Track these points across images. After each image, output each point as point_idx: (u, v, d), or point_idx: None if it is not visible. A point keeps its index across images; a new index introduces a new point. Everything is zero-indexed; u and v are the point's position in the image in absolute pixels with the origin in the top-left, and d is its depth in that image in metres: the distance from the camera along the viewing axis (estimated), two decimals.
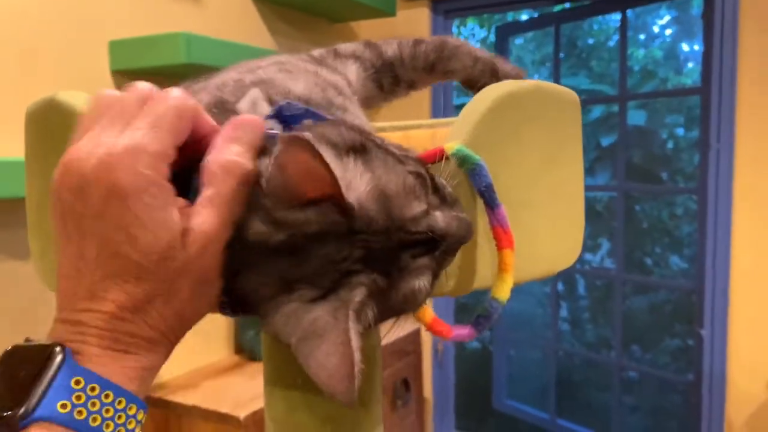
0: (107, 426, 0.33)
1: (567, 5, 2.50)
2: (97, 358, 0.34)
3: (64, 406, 0.32)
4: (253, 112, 0.41)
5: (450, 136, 0.49)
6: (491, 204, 0.46)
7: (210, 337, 1.95)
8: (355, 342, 0.35)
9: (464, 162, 0.46)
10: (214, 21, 1.88)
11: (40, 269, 0.57)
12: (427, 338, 2.51)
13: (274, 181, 0.35)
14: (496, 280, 0.47)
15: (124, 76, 1.62)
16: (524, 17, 4.12)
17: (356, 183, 0.36)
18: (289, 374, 0.68)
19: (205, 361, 1.91)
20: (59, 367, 0.33)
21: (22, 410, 0.31)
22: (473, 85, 0.68)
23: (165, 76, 1.62)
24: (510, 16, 4.08)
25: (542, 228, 0.54)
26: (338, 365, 0.35)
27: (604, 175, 3.75)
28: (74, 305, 0.35)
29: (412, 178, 0.39)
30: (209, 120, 0.39)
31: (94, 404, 0.33)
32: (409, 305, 0.39)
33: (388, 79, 0.64)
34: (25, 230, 0.57)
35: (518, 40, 5.33)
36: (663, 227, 4.87)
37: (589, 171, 4.53)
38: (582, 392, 4.22)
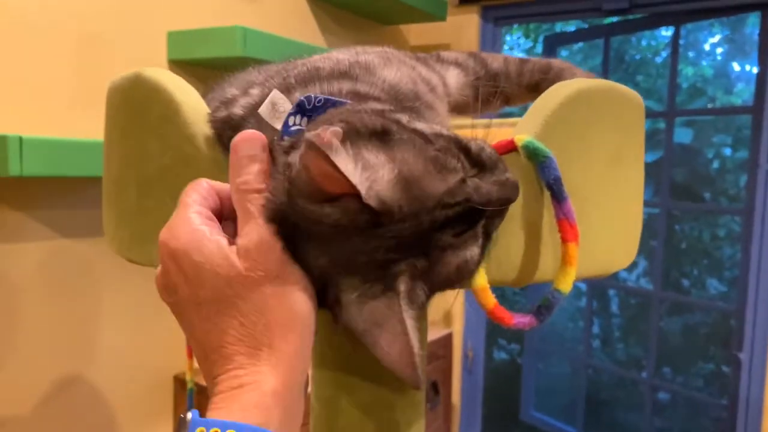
0: None
1: (616, 18, 2.47)
2: (219, 403, 0.37)
3: None
4: (275, 113, 0.44)
5: (518, 129, 0.50)
6: (558, 197, 0.47)
7: None
8: (412, 330, 0.39)
9: (534, 155, 0.47)
10: (269, 16, 1.92)
11: (113, 239, 0.60)
12: (458, 343, 2.51)
13: (299, 178, 0.38)
14: (558, 272, 0.47)
15: (180, 66, 1.66)
16: (571, 29, 4.09)
17: (379, 175, 0.38)
18: (338, 359, 0.70)
19: None
20: (186, 426, 0.36)
21: None
22: None
23: (220, 69, 1.65)
24: (558, 27, 4.05)
25: (602, 227, 0.55)
26: (400, 353, 0.38)
27: (646, 192, 3.71)
28: (204, 370, 0.40)
29: (442, 155, 0.40)
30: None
31: None
32: (462, 275, 0.41)
33: (487, 90, 0.65)
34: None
35: (564, 52, 5.29)
36: (703, 249, 4.77)
37: None
38: (610, 410, 4.16)
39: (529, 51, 5.32)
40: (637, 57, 5.12)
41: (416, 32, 2.51)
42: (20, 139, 1.13)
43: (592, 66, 4.77)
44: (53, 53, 1.36)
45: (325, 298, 0.41)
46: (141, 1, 1.56)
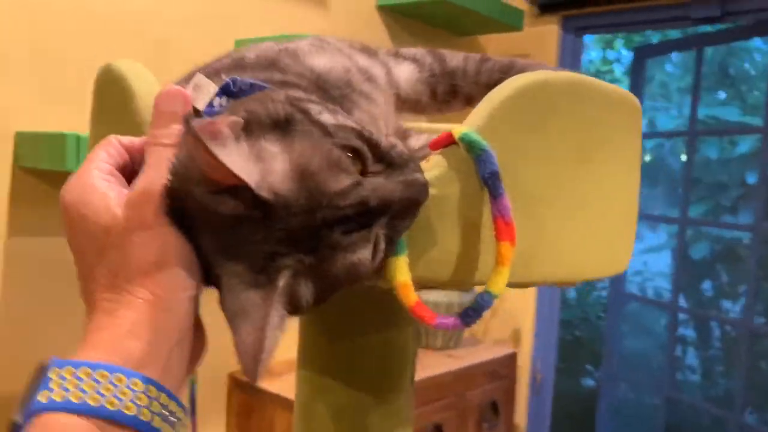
0: (93, 399, 0.34)
1: (708, 27, 2.32)
2: (79, 349, 0.37)
3: (43, 395, 0.34)
4: (198, 94, 0.43)
5: (466, 122, 0.47)
6: (494, 193, 0.44)
7: None
8: (272, 328, 0.38)
9: (471, 147, 0.45)
10: (338, 25, 1.95)
11: None
12: (524, 364, 2.42)
13: (191, 165, 0.38)
14: (492, 273, 0.44)
15: None
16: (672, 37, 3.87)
17: (274, 167, 0.37)
18: (315, 360, 0.69)
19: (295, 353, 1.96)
20: (43, 370, 0.36)
21: (15, 418, 0.35)
22: None
23: None
24: (656, 38, 3.85)
25: (567, 229, 0.51)
26: (251, 345, 0.37)
27: (747, 215, 3.42)
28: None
29: (338, 151, 0.38)
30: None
31: (71, 383, 0.34)
32: (352, 278, 0.40)
33: (444, 88, 0.63)
34: None
35: (668, 66, 5.03)
36: None
37: (730, 209, 4.16)
38: None
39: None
40: (751, 72, 4.78)
41: (492, 43, 2.47)
42: (77, 137, 1.21)
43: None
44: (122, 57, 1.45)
45: (209, 277, 0.40)
46: (212, 10, 1.64)
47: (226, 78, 0.45)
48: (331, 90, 0.48)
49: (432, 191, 0.44)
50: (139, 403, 0.34)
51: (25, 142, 1.33)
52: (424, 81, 0.60)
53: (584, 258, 0.53)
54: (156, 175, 0.38)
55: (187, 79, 0.52)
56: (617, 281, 2.88)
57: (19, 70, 1.33)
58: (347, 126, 0.40)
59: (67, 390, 0.34)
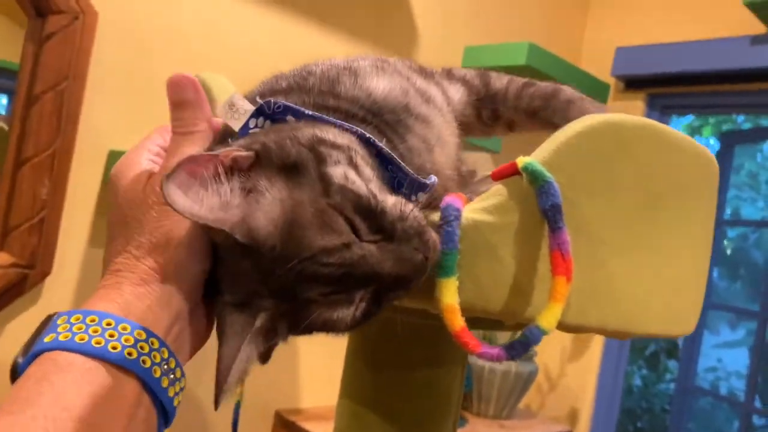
0: (97, 342, 0.35)
1: None
2: (92, 297, 0.39)
3: (49, 337, 0.36)
4: (232, 114, 0.45)
5: (533, 153, 0.47)
6: (553, 225, 0.43)
7: None
8: (240, 361, 0.40)
9: (535, 178, 0.44)
10: None
11: None
12: None
13: None
14: (544, 308, 0.43)
15: None
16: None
17: (263, 210, 0.39)
18: (357, 390, 0.68)
19: None
20: (53, 316, 0.38)
21: (18, 356, 0.36)
22: None
23: None
24: (747, 125, 3.71)
25: (629, 275, 0.49)
26: (221, 371, 0.40)
27: None
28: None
29: (330, 210, 0.39)
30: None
31: (77, 327, 0.36)
32: (332, 329, 0.41)
33: (488, 112, 0.62)
34: None
35: (759, 157, 4.84)
36: None
37: None
38: None
39: None
40: None
41: None
42: None
43: None
44: None
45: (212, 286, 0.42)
46: (300, 47, 1.67)
47: (282, 96, 0.47)
48: (386, 115, 0.49)
49: (489, 218, 0.44)
50: (141, 351, 0.36)
51: (116, 160, 1.40)
52: (472, 104, 0.60)
53: (645, 310, 0.51)
54: (173, 161, 0.40)
55: (260, 89, 0.54)
56: (685, 373, 2.72)
57: (114, 93, 1.42)
58: (348, 189, 0.40)
59: (74, 333, 0.35)
